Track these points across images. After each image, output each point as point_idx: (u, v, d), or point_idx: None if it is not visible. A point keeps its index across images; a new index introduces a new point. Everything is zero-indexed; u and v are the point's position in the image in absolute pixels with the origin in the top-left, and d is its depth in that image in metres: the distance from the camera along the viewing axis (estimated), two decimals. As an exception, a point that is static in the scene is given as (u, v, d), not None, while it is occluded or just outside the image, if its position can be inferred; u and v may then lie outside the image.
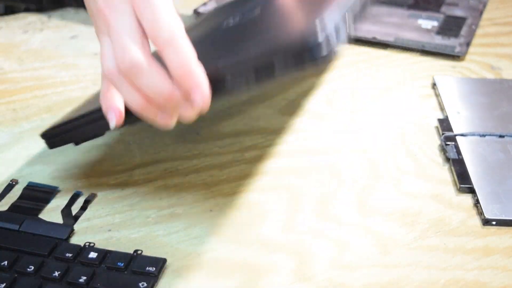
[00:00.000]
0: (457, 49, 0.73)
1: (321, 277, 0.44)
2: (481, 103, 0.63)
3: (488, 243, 0.47)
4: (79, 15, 0.82)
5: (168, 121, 0.41)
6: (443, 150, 0.57)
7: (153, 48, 0.40)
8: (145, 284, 0.42)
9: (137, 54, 0.38)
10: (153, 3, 0.38)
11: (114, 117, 0.42)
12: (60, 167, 0.54)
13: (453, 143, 0.57)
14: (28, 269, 0.43)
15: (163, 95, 0.39)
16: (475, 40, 0.76)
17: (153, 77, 0.38)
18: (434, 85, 0.67)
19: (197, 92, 0.38)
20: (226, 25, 0.53)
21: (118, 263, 0.43)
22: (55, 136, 0.50)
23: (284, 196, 0.51)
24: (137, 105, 0.40)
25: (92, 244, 0.45)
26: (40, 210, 0.49)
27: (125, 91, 0.40)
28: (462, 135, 0.58)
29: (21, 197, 0.50)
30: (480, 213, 0.50)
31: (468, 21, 0.79)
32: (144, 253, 0.45)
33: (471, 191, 0.52)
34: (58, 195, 0.51)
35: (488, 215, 0.49)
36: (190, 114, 0.41)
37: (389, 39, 0.75)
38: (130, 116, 0.43)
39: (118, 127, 0.43)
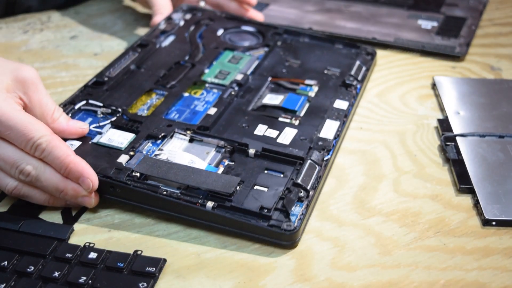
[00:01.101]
0: (457, 50, 0.73)
1: (321, 277, 0.44)
2: (481, 103, 0.63)
3: (488, 243, 0.47)
4: (79, 15, 0.81)
5: (77, 204, 0.49)
6: (443, 150, 0.57)
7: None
8: (145, 284, 0.42)
9: (28, 167, 0.47)
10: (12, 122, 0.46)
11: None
12: (60, 167, 0.54)
13: (453, 143, 0.57)
14: (28, 269, 0.43)
15: (59, 190, 0.47)
16: (475, 41, 0.76)
17: (47, 180, 0.47)
18: (434, 86, 0.67)
19: (84, 179, 0.47)
20: None
21: (118, 263, 0.43)
22: None
23: (284, 196, 0.51)
24: (46, 202, 0.49)
25: (92, 245, 0.45)
26: (40, 210, 0.49)
27: (35, 196, 0.49)
28: (462, 135, 0.58)
29: (21, 197, 0.50)
30: (480, 213, 0.50)
31: (468, 22, 0.79)
32: (144, 253, 0.45)
33: (471, 191, 0.52)
34: (58, 195, 0.51)
35: (488, 216, 0.49)
36: (88, 199, 0.48)
37: (389, 39, 0.75)
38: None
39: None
